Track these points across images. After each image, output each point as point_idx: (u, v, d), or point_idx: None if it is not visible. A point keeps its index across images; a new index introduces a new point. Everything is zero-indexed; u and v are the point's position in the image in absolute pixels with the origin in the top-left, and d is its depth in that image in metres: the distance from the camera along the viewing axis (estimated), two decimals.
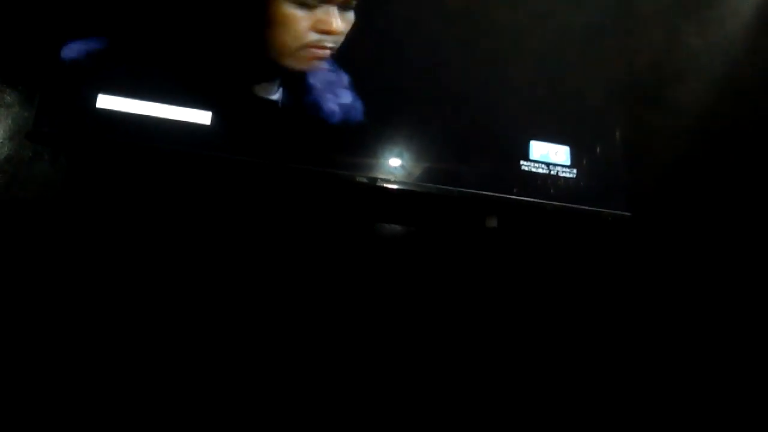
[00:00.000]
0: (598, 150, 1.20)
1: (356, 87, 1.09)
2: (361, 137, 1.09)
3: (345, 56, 1.08)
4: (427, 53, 1.14)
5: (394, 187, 1.10)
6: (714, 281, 1.30)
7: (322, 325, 1.13)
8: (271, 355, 1.10)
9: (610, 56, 1.26)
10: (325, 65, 1.08)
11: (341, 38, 1.07)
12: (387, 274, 1.19)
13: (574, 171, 1.17)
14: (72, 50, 1.03)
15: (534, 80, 1.19)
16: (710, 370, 1.24)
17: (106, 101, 1.02)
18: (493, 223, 1.21)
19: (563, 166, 1.17)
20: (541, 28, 1.22)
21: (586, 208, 1.15)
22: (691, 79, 1.39)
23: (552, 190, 1.16)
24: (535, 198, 1.13)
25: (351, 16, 1.08)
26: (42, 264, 1.06)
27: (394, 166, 1.11)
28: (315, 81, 1.08)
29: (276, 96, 1.08)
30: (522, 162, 1.15)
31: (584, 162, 1.19)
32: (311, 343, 1.12)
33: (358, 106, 1.08)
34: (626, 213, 1.17)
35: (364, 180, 1.09)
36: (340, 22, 1.06)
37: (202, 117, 1.05)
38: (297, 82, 1.08)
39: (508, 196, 1.13)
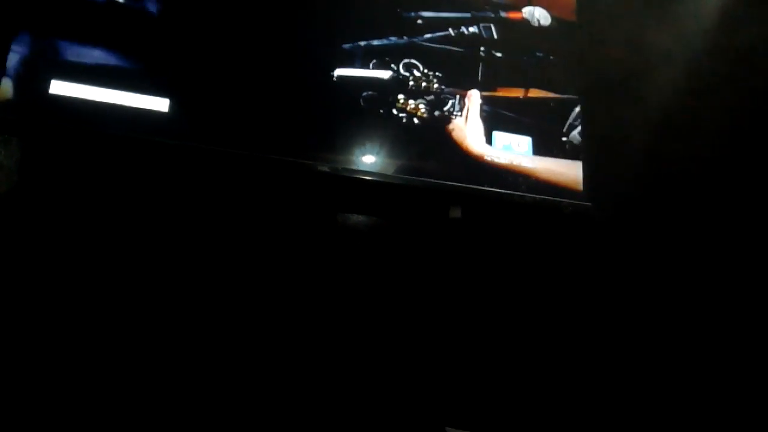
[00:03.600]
0: (560, 141, 1.19)
1: None
2: None
3: None
4: None
5: (358, 177, 1.07)
6: (675, 271, 1.30)
7: (283, 315, 1.10)
8: (232, 343, 1.07)
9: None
10: None
11: None
12: (349, 264, 1.17)
13: (536, 161, 1.16)
14: (24, 35, 1.00)
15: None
16: (672, 358, 1.24)
17: (59, 87, 1.00)
18: (456, 213, 1.19)
19: (525, 156, 1.16)
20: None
21: (547, 198, 1.15)
22: (655, 73, 1.41)
23: (513, 181, 1.14)
24: (496, 188, 1.12)
25: None
26: None
27: (358, 156, 1.08)
28: None
29: None
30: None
31: (546, 153, 1.18)
32: (273, 331, 1.09)
33: None
34: (587, 203, 1.17)
35: (326, 169, 1.06)
36: None
37: (160, 104, 1.02)
38: None
39: (470, 186, 1.11)
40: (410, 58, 1.13)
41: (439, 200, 1.19)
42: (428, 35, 1.16)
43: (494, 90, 1.18)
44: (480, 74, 1.18)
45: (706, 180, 1.37)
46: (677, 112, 1.39)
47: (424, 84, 1.12)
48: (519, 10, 1.23)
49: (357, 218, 1.21)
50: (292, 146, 1.04)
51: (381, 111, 1.09)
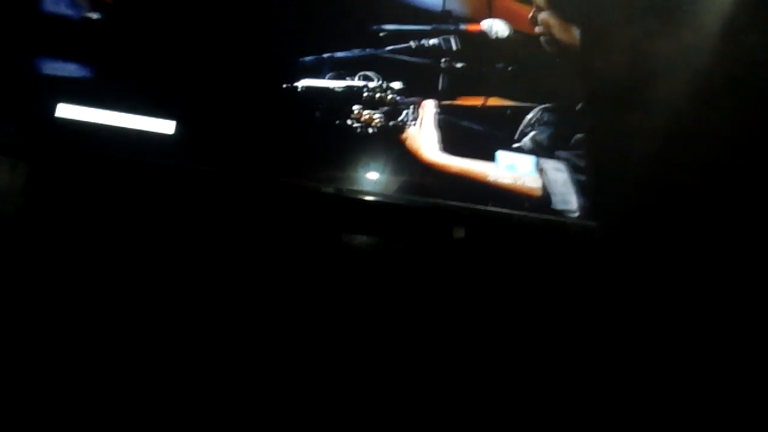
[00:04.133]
0: (564, 160, 1.24)
1: None
2: None
3: None
4: None
5: (361, 197, 1.10)
6: (681, 290, 1.32)
7: (288, 336, 1.12)
8: (235, 362, 1.08)
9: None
10: None
11: None
12: (354, 285, 1.19)
13: (540, 181, 1.21)
14: (31, 59, 1.02)
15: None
16: (675, 375, 1.27)
17: (65, 110, 1.02)
18: (460, 233, 1.22)
19: (529, 176, 1.21)
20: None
21: (552, 218, 1.19)
22: (661, 88, 1.44)
23: (518, 201, 1.18)
24: (500, 208, 1.16)
25: None
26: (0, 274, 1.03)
27: (361, 176, 1.12)
28: None
29: None
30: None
31: (550, 172, 1.23)
32: (276, 351, 1.11)
33: None
34: (591, 223, 1.20)
35: (331, 191, 1.10)
36: None
37: (166, 126, 1.05)
38: None
39: (473, 206, 1.15)
40: (372, 69, 1.18)
41: (442, 220, 1.21)
42: (390, 47, 1.21)
43: (454, 99, 1.23)
44: (441, 84, 1.23)
45: (712, 190, 1.39)
46: (682, 120, 1.42)
47: (379, 95, 1.16)
48: (478, 22, 1.28)
49: (361, 239, 1.23)
50: (256, 161, 1.07)
51: (337, 122, 1.13)
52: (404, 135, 1.16)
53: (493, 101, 1.26)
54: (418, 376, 1.16)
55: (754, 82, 1.47)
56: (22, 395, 0.98)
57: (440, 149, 1.17)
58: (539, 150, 1.23)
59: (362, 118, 1.14)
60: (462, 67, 1.25)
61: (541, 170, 1.22)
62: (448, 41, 1.25)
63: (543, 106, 1.25)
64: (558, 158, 1.25)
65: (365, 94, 1.15)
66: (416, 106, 1.18)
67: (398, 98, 1.17)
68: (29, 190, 1.09)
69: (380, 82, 1.17)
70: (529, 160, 1.22)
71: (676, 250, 1.35)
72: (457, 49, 1.25)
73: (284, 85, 1.12)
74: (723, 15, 1.50)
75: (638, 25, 1.48)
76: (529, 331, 1.24)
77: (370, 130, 1.14)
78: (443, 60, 1.24)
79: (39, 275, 1.05)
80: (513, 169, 1.20)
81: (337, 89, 1.14)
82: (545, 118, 1.24)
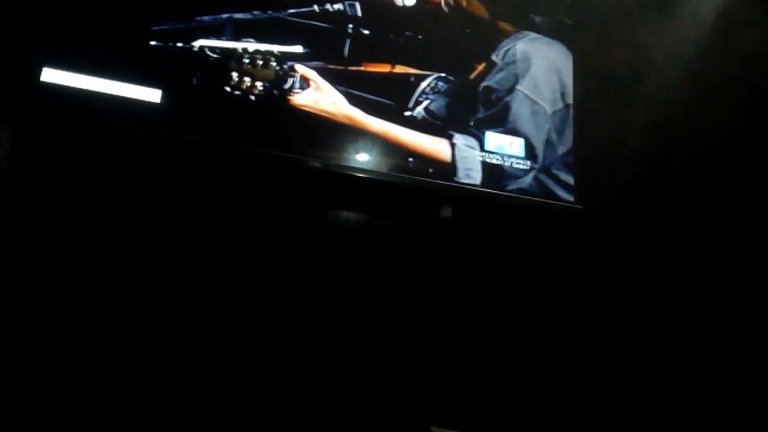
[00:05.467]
0: (551, 143, 1.26)
1: None
2: None
3: None
4: None
5: (348, 173, 1.11)
6: (666, 275, 1.35)
7: (273, 312, 1.12)
8: (220, 337, 1.09)
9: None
10: None
11: None
12: (340, 262, 1.20)
13: (528, 163, 1.24)
14: (15, 22, 1.03)
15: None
16: (659, 361, 1.29)
17: (50, 75, 1.02)
18: (447, 212, 1.23)
19: (517, 157, 1.23)
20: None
21: (538, 199, 1.21)
22: (651, 78, 1.46)
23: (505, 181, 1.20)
24: (489, 188, 1.18)
25: None
26: None
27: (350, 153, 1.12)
28: None
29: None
30: (477, 152, 1.21)
31: (537, 154, 1.25)
32: (262, 328, 1.11)
33: None
34: (578, 206, 1.22)
35: (318, 165, 1.10)
36: None
37: (152, 95, 1.06)
38: None
39: (461, 185, 1.17)
40: (272, 32, 1.18)
41: (429, 199, 1.22)
42: (292, 10, 1.21)
43: (359, 65, 1.24)
44: (346, 50, 1.24)
45: (703, 183, 1.41)
46: (675, 115, 1.44)
47: (260, 61, 1.15)
48: None
49: (348, 215, 1.23)
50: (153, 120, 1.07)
51: (217, 88, 1.12)
52: (296, 101, 1.16)
53: (399, 69, 1.27)
54: (402, 356, 1.17)
55: (752, 78, 1.50)
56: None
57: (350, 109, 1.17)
58: (438, 120, 1.25)
59: (243, 86, 1.14)
60: (368, 34, 1.26)
61: (453, 145, 1.24)
62: (353, 7, 1.25)
63: (438, 74, 1.27)
64: (470, 134, 1.26)
65: (246, 60, 1.15)
66: (304, 74, 1.17)
67: (283, 66, 1.17)
68: (13, 156, 1.09)
69: (257, 47, 1.15)
70: (518, 142, 1.24)
71: (662, 238, 1.37)
72: (363, 15, 1.25)
73: (179, 44, 1.12)
74: (721, 10, 1.53)
75: (635, 19, 1.50)
76: (514, 313, 1.26)
77: (252, 98, 1.14)
78: (349, 26, 1.25)
79: (23, 245, 1.05)
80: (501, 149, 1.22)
81: (215, 54, 1.14)
82: (440, 87, 1.26)
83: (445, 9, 1.33)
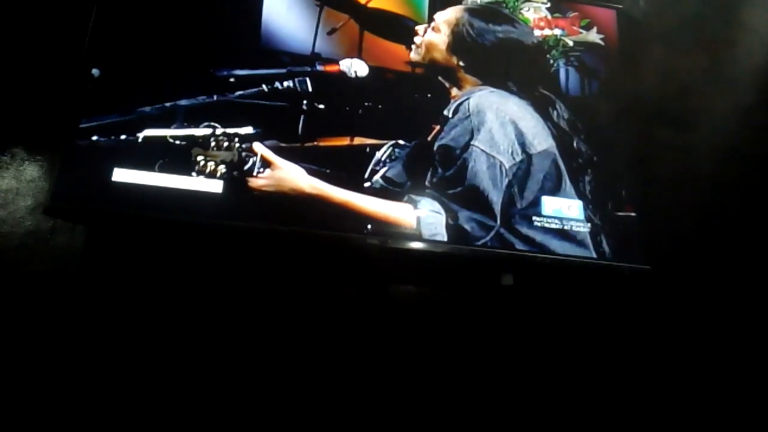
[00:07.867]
0: (612, 204, 1.22)
1: None
2: None
3: None
4: None
5: (406, 247, 1.11)
6: (736, 334, 1.30)
7: (337, 388, 1.14)
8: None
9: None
10: None
11: None
12: (401, 335, 1.20)
13: (588, 225, 1.19)
14: (89, 125, 1.07)
15: None
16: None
17: (121, 174, 1.05)
18: (508, 280, 1.20)
19: (576, 221, 1.18)
20: None
21: (603, 262, 1.16)
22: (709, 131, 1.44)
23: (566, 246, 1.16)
24: (549, 254, 1.15)
25: None
26: (60, 336, 1.07)
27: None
28: None
29: None
30: (534, 218, 1.17)
31: (598, 216, 1.20)
32: (327, 404, 1.13)
33: None
34: (645, 266, 1.17)
35: (375, 242, 1.10)
36: None
37: (214, 186, 1.08)
38: None
39: (522, 253, 1.14)
40: (220, 116, 1.14)
41: (490, 268, 1.21)
42: (240, 92, 1.18)
43: (315, 141, 1.20)
44: (300, 126, 1.20)
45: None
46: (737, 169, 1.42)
47: (226, 144, 1.13)
48: (336, 63, 1.27)
49: (408, 288, 1.24)
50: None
51: (179, 174, 1.10)
52: (257, 182, 1.13)
53: (358, 140, 1.23)
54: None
55: None
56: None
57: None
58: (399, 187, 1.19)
59: (207, 170, 1.10)
60: (323, 108, 1.22)
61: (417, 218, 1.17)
62: (303, 83, 1.23)
63: (395, 141, 1.22)
64: (433, 198, 1.19)
65: (212, 144, 1.12)
66: (258, 154, 1.14)
67: (242, 147, 1.14)
68: (87, 254, 1.15)
69: (225, 130, 1.13)
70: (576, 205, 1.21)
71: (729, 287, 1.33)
72: (315, 90, 1.23)
73: (122, 137, 1.08)
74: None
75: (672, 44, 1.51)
76: (586, 383, 1.23)
77: (216, 182, 1.11)
78: (303, 102, 1.22)
79: (96, 337, 1.09)
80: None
81: (177, 140, 1.10)
82: (397, 154, 1.21)
83: (397, 76, 1.30)
